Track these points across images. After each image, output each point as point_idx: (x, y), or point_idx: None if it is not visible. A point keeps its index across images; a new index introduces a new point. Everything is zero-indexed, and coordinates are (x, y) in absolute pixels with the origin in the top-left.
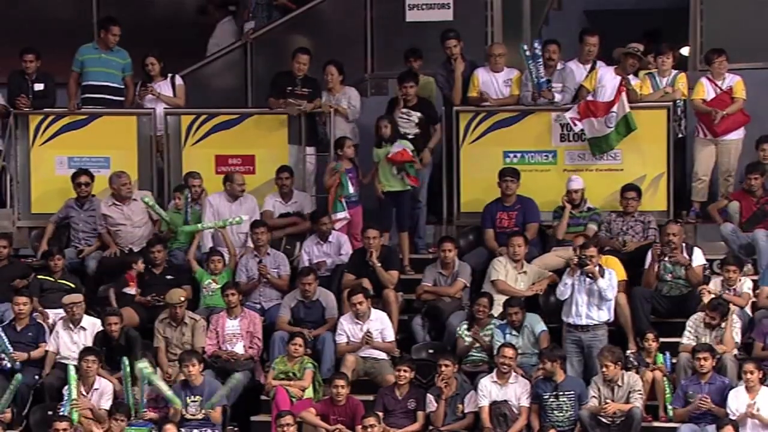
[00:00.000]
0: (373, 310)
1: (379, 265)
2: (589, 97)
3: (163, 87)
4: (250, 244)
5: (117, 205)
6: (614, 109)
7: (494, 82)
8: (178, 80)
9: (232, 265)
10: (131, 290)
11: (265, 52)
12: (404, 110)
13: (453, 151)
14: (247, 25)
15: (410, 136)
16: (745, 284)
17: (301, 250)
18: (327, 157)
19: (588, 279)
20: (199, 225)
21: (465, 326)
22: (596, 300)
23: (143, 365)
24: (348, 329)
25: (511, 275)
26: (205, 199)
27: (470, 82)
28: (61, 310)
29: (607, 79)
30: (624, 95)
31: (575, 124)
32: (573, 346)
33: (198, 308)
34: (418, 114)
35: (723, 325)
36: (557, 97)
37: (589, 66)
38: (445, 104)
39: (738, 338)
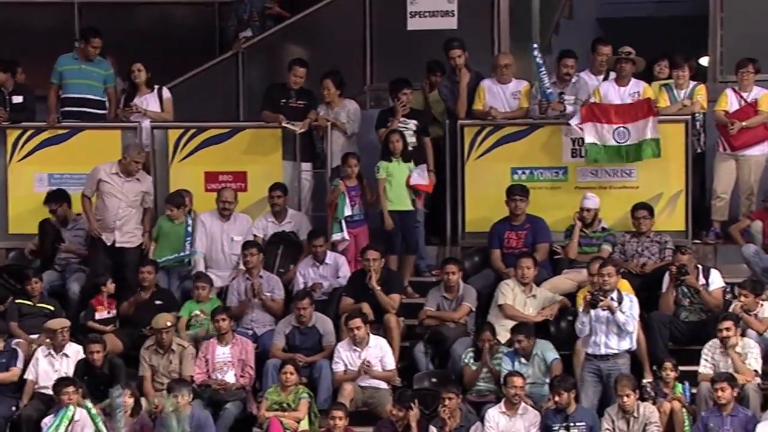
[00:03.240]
0: (372, 336)
1: (379, 288)
2: (593, 100)
3: (150, 100)
4: (242, 266)
5: (120, 177)
6: (629, 125)
7: (501, 94)
8: (166, 93)
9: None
10: (102, 315)
11: (258, 62)
12: (401, 119)
13: (457, 167)
14: (241, 34)
15: (410, 148)
16: (766, 309)
17: (296, 273)
18: (324, 173)
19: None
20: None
21: (471, 354)
22: (616, 329)
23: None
24: (346, 357)
25: (520, 299)
26: (196, 219)
27: (476, 94)
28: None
29: (612, 94)
30: (653, 120)
31: (581, 131)
32: (591, 376)
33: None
34: (414, 122)
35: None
36: (569, 109)
37: (602, 77)
38: (449, 117)
39: (758, 366)
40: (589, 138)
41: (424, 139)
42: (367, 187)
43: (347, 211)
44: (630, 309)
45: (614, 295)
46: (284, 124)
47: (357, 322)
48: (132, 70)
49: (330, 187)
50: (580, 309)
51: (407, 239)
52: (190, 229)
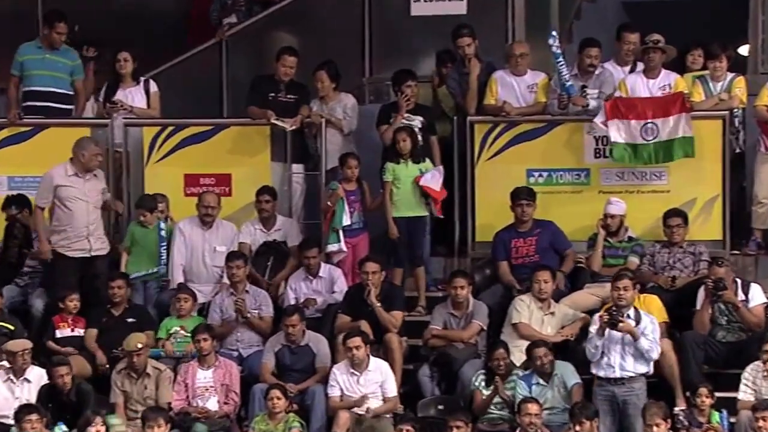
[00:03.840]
0: (372, 358)
1: (380, 305)
2: (619, 94)
3: (135, 95)
4: (226, 280)
5: (79, 177)
6: (659, 122)
7: (516, 87)
8: (153, 86)
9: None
10: (65, 333)
11: (244, 51)
12: (405, 116)
13: (467, 168)
14: (225, 21)
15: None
16: None
17: (286, 287)
18: (318, 176)
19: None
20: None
21: (482, 378)
22: (632, 349)
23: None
24: (342, 381)
25: (537, 317)
26: (174, 226)
27: (487, 87)
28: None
29: (639, 86)
30: (686, 116)
31: (605, 127)
32: (605, 404)
33: (163, 357)
34: (420, 119)
35: None
36: (592, 104)
37: (628, 69)
38: (458, 114)
39: None
40: (615, 136)
41: (430, 138)
42: (367, 190)
43: (346, 220)
44: (653, 332)
45: (631, 312)
46: (273, 121)
47: (356, 341)
48: (117, 59)
49: (325, 192)
50: (592, 329)
51: (415, 249)
52: (163, 233)
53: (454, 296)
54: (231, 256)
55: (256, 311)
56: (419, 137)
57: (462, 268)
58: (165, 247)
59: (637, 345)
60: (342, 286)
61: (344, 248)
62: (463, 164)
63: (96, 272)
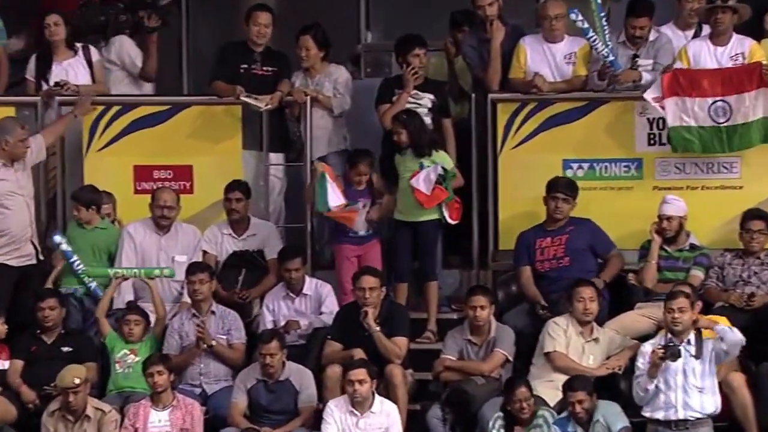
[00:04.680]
0: (378, 397)
1: (377, 329)
2: (679, 65)
3: (75, 68)
4: (187, 298)
5: (8, 167)
6: (730, 99)
7: (549, 56)
8: (95, 54)
9: (159, 330)
10: None
11: (208, 14)
12: (412, 93)
13: (488, 159)
14: None
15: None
16: None
17: (262, 307)
18: (302, 168)
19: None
20: (110, 270)
21: (501, 424)
22: (698, 379)
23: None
24: (340, 420)
25: (576, 345)
26: (122, 231)
27: (514, 57)
28: None
29: (704, 55)
30: (765, 91)
31: (661, 108)
32: None
33: (107, 394)
34: (430, 96)
35: None
36: (646, 78)
37: (691, 33)
38: (477, 89)
39: None
40: (673, 118)
41: (443, 122)
42: (379, 186)
43: (334, 200)
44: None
45: (691, 337)
46: (245, 99)
47: (361, 373)
48: (45, 24)
49: (310, 187)
50: (641, 363)
51: (423, 260)
52: (102, 226)
53: (473, 318)
54: (193, 269)
55: (224, 337)
56: (428, 121)
57: (482, 283)
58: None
59: (726, 338)
60: (332, 305)
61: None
62: (483, 153)
63: (27, 286)
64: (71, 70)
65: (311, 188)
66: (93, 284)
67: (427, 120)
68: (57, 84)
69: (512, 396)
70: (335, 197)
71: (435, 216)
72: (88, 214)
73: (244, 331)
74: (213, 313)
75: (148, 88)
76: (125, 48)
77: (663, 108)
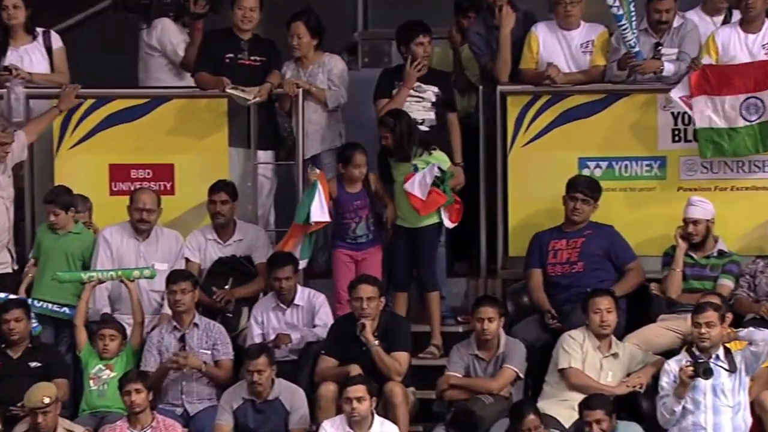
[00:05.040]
0: (377, 417)
1: (376, 343)
2: (707, 61)
3: (32, 54)
4: (167, 309)
5: None
6: (763, 96)
7: (564, 45)
8: (56, 41)
9: (136, 340)
10: None
11: None
12: (415, 86)
13: (497, 157)
14: None
15: (424, 128)
16: None
17: (249, 320)
18: (293, 167)
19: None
20: (83, 274)
21: None
22: (730, 397)
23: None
24: None
25: (593, 360)
26: (97, 236)
27: (525, 45)
28: None
29: (734, 44)
30: None
31: (689, 108)
32: None
33: (80, 414)
34: (434, 89)
35: None
36: (668, 68)
37: (720, 18)
38: (484, 81)
39: None
40: (702, 119)
41: (448, 116)
42: (377, 187)
43: (318, 215)
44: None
45: (720, 352)
46: (230, 91)
47: (359, 390)
48: (4, 6)
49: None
50: (665, 381)
51: (425, 267)
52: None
53: (480, 332)
54: (174, 277)
55: (209, 352)
56: (431, 115)
57: (490, 293)
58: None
59: (755, 340)
60: (326, 317)
61: (302, 264)
62: (492, 151)
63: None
64: (27, 56)
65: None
66: (65, 309)
67: (430, 115)
68: (6, 69)
69: (520, 426)
70: (320, 212)
71: (434, 220)
72: (66, 217)
73: (231, 345)
74: (196, 325)
75: (190, 78)
76: (168, 33)
77: (691, 108)
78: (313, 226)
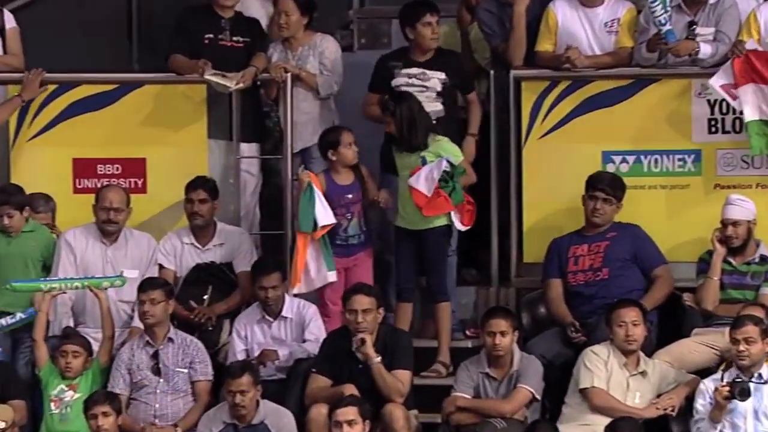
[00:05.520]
0: None
1: (378, 359)
2: (752, 45)
3: None
4: (138, 322)
5: None
6: None
7: (586, 24)
8: (8, 20)
9: (105, 357)
10: None
11: None
12: (415, 71)
13: (510, 151)
14: None
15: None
16: None
17: (232, 333)
18: (281, 162)
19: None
20: (43, 283)
21: None
22: None
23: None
24: None
25: (619, 379)
26: (59, 239)
27: (542, 24)
28: None
29: None
30: None
31: (733, 99)
32: None
33: None
34: (440, 76)
35: None
36: (704, 50)
37: None
38: (496, 65)
39: None
40: (752, 111)
41: (468, 98)
42: (369, 180)
43: (323, 218)
44: None
45: (763, 371)
46: (210, 77)
47: (350, 413)
48: None
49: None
50: (700, 404)
51: (432, 275)
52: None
53: (491, 347)
54: (144, 286)
55: (185, 371)
56: (438, 107)
57: (502, 303)
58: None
59: None
60: (317, 331)
61: (330, 276)
62: (505, 144)
63: None
64: None
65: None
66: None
67: (437, 106)
68: None
69: None
70: (324, 214)
71: (443, 222)
72: (21, 218)
73: (211, 364)
74: (170, 340)
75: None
76: (250, 9)
77: (735, 98)
78: (320, 232)
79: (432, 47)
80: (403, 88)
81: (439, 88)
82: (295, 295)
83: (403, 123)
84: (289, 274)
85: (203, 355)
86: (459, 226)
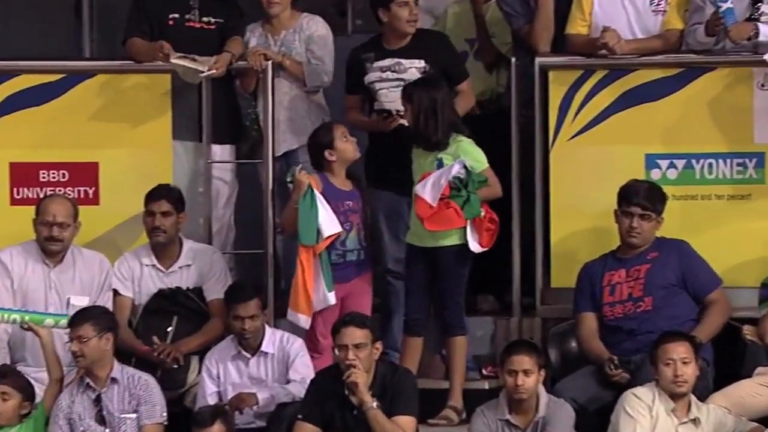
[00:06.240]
0: None
1: (375, 404)
2: None
3: None
4: None
5: None
6: None
7: (626, 1)
8: None
9: (50, 402)
10: None
11: None
12: (389, 62)
13: (535, 155)
14: None
15: (402, 122)
16: None
17: (201, 373)
18: (260, 166)
19: None
20: None
21: None
22: None
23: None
24: None
25: (666, 427)
26: None
27: (573, 2)
28: None
29: None
30: None
31: None
32: None
33: None
34: (419, 65)
35: None
36: (765, 32)
37: None
38: (518, 51)
39: None
40: None
41: (459, 90)
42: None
43: (329, 228)
44: None
45: None
46: (175, 61)
47: None
48: None
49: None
50: None
51: (443, 303)
52: None
53: (513, 389)
54: (73, 321)
55: (133, 416)
56: (434, 99)
57: (526, 336)
58: None
59: None
60: (304, 369)
61: (331, 299)
62: (528, 147)
63: None
64: None
65: (292, 210)
66: None
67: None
68: None
69: None
70: (330, 221)
71: (457, 240)
72: None
73: (163, 405)
74: (114, 381)
75: None
76: None
77: None
78: (325, 243)
79: (409, 32)
80: (377, 87)
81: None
82: (275, 325)
83: (421, 113)
84: (294, 299)
85: (150, 394)
86: (474, 247)
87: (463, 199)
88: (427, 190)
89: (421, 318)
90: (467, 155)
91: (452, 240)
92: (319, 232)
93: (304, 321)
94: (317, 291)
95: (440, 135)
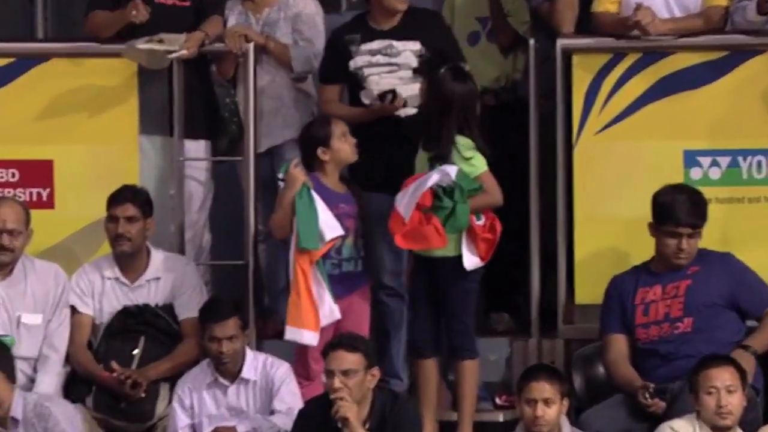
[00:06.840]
0: None
1: None
2: None
3: None
4: (42, 387)
5: None
6: None
7: None
8: None
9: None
10: None
11: None
12: (378, 45)
13: (557, 152)
14: None
15: (410, 110)
16: None
17: (172, 403)
18: (241, 165)
19: None
20: None
21: None
22: None
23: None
24: None
25: None
26: None
27: None
28: None
29: None
30: None
31: None
32: None
33: None
34: (414, 47)
35: None
36: None
37: None
38: (537, 32)
39: None
40: None
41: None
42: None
43: (331, 231)
44: None
45: None
46: (141, 46)
47: None
48: None
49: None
50: None
51: (451, 323)
52: None
53: (531, 420)
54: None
55: None
56: (415, 89)
57: (546, 361)
58: None
59: None
60: (291, 398)
61: (336, 311)
62: (549, 142)
63: None
64: None
65: (284, 209)
66: None
67: (414, 90)
68: None
69: None
70: (330, 224)
71: (455, 251)
72: None
73: None
74: (14, 421)
75: None
76: None
77: None
78: (325, 248)
79: (400, 9)
80: (366, 72)
81: (414, 64)
82: (258, 347)
83: (430, 104)
84: (295, 313)
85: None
86: (470, 262)
87: (446, 211)
88: (404, 202)
89: (430, 338)
90: (460, 159)
91: (448, 250)
92: (321, 234)
93: (310, 338)
94: (323, 303)
95: (445, 131)
